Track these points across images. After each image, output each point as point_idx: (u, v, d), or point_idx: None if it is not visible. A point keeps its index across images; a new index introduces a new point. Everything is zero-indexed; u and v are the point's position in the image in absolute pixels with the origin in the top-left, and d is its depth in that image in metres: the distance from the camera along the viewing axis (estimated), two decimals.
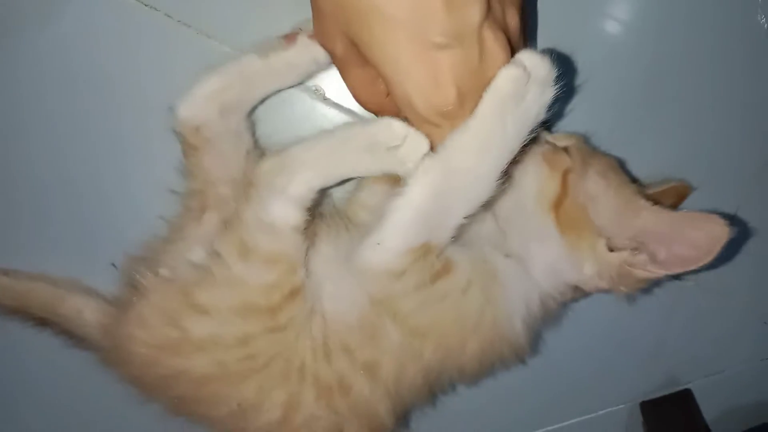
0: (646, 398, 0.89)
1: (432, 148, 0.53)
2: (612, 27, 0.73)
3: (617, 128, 0.75)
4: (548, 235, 0.60)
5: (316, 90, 0.70)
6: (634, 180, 0.66)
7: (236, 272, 0.57)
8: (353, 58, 0.54)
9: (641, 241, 0.58)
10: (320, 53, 0.60)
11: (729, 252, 0.56)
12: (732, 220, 0.54)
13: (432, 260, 0.56)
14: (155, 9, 0.65)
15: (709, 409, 0.89)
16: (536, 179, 0.61)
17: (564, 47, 0.69)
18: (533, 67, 0.50)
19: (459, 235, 0.57)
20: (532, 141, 0.54)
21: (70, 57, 0.66)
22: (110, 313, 0.65)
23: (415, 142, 0.53)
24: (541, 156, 0.61)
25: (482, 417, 0.86)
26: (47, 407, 0.78)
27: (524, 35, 0.55)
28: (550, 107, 0.52)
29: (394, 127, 0.54)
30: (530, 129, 0.52)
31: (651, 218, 0.58)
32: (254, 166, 0.62)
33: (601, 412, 0.90)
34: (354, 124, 0.58)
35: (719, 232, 0.54)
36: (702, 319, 0.87)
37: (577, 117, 0.72)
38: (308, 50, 0.62)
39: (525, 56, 0.50)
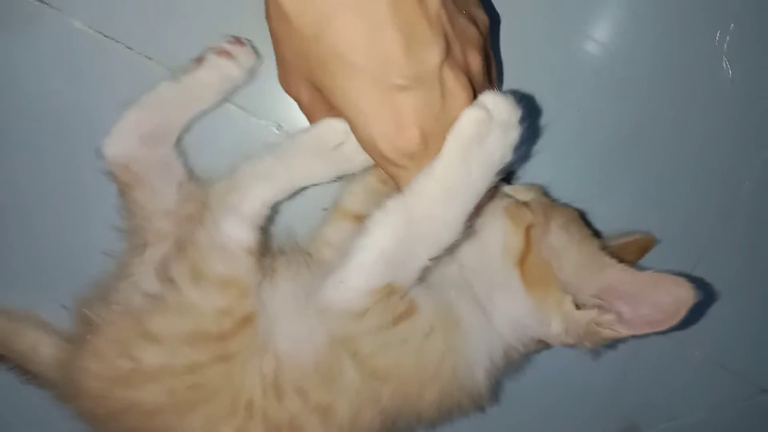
0: None
1: (401, 189, 0.52)
2: (577, 69, 0.74)
3: (578, 175, 0.76)
4: (514, 290, 0.60)
5: (279, 127, 0.69)
6: (596, 233, 0.66)
7: (188, 297, 0.56)
8: (319, 104, 0.54)
9: (606, 300, 0.58)
10: (231, 70, 0.63)
11: (694, 315, 0.56)
12: (697, 282, 0.54)
13: (395, 301, 0.55)
14: (115, 41, 0.65)
15: None
16: (500, 234, 0.60)
17: (527, 88, 0.69)
18: (496, 109, 0.49)
19: (424, 277, 0.57)
20: (493, 189, 0.54)
21: (28, 84, 0.66)
22: (65, 350, 0.63)
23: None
24: (504, 210, 0.61)
25: None
26: None
27: (489, 77, 0.56)
28: (516, 149, 0.52)
29: (335, 125, 0.55)
30: (496, 172, 0.52)
31: (616, 276, 0.58)
32: (189, 196, 0.63)
33: None
34: (297, 132, 0.59)
35: (685, 296, 0.54)
36: (661, 365, 0.86)
37: (539, 163, 0.72)
38: (217, 68, 0.63)
39: (487, 98, 0.50)
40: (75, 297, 0.64)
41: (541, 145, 0.73)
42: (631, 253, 0.69)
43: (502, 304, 0.61)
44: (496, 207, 0.61)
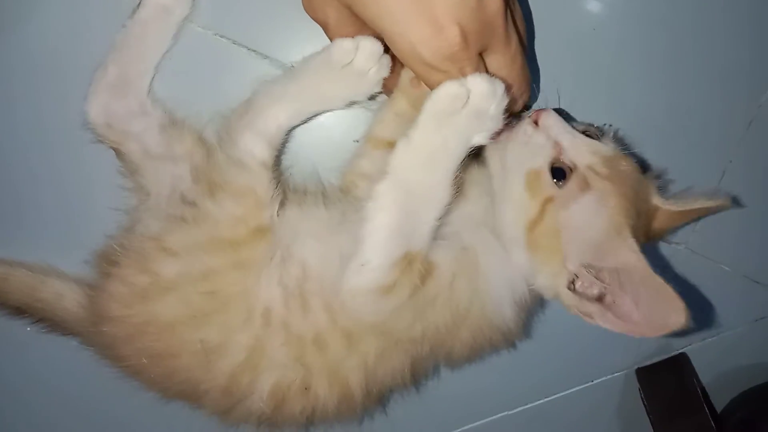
0: (642, 365, 0.89)
1: None
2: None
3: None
4: (519, 247, 0.59)
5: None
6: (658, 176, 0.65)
7: (205, 210, 0.58)
8: (347, 24, 0.54)
9: (611, 279, 0.56)
10: (166, 1, 0.62)
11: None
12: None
13: (417, 267, 0.55)
14: None
15: (704, 373, 0.89)
16: (516, 194, 0.59)
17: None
18: (474, 91, 0.51)
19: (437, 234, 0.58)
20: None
21: (49, 49, 0.65)
22: (89, 294, 0.64)
23: (367, 48, 0.56)
24: (524, 176, 0.59)
25: (480, 390, 0.85)
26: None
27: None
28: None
29: (343, 44, 0.56)
30: (470, 147, 0.53)
31: (631, 262, 0.55)
32: (174, 137, 0.64)
33: (597, 381, 0.90)
34: (308, 56, 0.60)
35: (674, 322, 0.53)
36: (693, 282, 0.86)
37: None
38: (153, 4, 0.62)
39: (474, 79, 0.50)
40: (94, 251, 0.65)
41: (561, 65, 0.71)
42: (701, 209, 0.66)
43: (510, 248, 0.60)
44: (522, 165, 0.59)
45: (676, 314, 0.52)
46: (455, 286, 0.57)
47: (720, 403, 0.91)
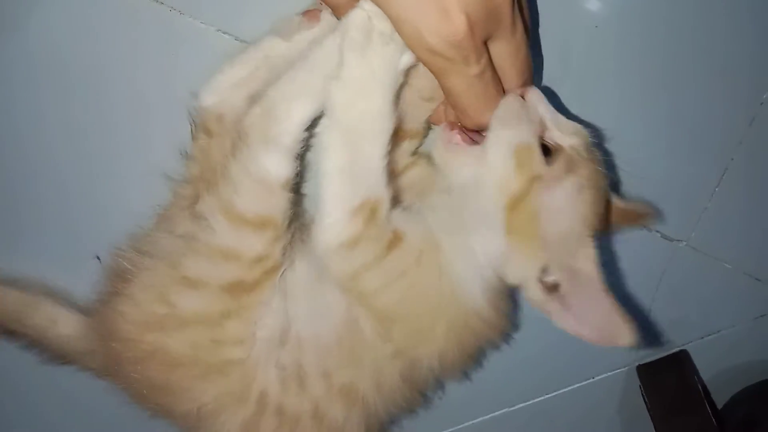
0: (642, 362, 0.89)
1: (444, 86, 0.52)
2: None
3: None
4: (495, 227, 0.57)
5: None
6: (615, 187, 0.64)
7: (221, 234, 0.55)
8: None
9: (566, 281, 0.56)
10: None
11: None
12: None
13: (381, 223, 0.55)
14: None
15: (705, 370, 0.90)
16: (502, 169, 0.56)
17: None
18: (375, 14, 0.50)
19: (403, 206, 0.58)
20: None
21: (59, 45, 0.64)
22: (87, 321, 0.63)
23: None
24: (514, 149, 0.56)
25: (481, 387, 0.84)
26: None
27: None
28: None
29: (359, 12, 0.51)
30: (402, 69, 0.52)
31: (586, 269, 0.55)
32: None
33: (598, 378, 0.90)
34: (315, 39, 0.57)
35: (622, 341, 0.53)
36: (694, 279, 0.86)
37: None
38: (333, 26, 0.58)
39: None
40: (109, 249, 0.63)
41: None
42: (629, 218, 0.66)
43: (482, 234, 0.58)
44: (511, 138, 0.56)
45: (623, 336, 0.53)
46: (422, 265, 0.56)
47: (721, 400, 0.92)
